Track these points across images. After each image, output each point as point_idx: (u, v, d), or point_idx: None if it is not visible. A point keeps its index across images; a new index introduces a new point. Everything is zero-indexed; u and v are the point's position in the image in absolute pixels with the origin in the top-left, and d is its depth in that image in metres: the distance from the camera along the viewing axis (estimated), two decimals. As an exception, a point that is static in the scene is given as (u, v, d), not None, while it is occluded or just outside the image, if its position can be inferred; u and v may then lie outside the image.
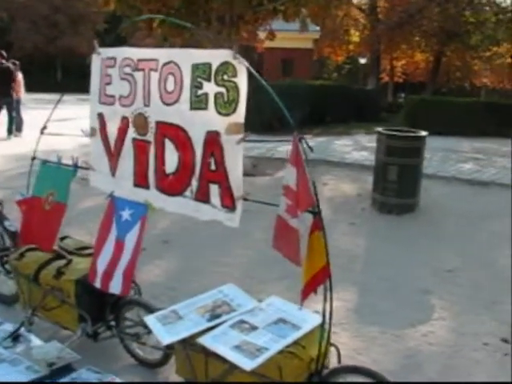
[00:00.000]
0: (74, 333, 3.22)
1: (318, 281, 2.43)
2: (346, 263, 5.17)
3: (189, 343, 2.71)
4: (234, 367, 2.55)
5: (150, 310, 3.12)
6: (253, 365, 2.43)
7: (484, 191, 7.78)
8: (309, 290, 2.45)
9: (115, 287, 3.01)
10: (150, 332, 3.18)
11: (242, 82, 2.46)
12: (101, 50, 3.06)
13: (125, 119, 2.96)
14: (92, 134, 3.18)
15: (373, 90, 22.01)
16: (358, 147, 11.95)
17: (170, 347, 3.01)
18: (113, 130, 3.05)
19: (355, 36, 22.84)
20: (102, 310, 3.27)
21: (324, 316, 2.52)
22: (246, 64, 2.43)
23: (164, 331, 2.76)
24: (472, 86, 34.07)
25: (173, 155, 2.78)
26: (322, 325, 2.55)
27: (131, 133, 2.95)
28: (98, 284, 3.06)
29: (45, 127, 3.43)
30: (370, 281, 4.77)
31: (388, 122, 16.79)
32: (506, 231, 5.98)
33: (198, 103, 2.61)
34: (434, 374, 3.33)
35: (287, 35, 16.37)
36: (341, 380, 2.60)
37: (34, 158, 3.51)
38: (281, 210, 2.43)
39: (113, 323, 3.32)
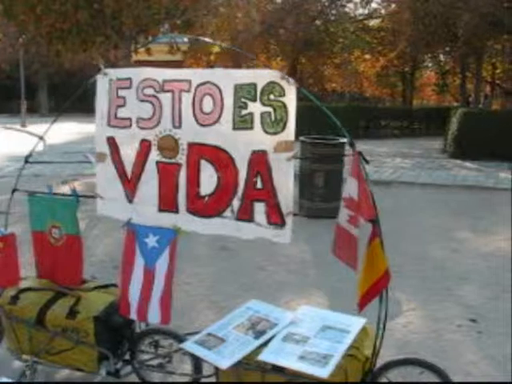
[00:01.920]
0: (92, 374, 3.07)
1: (380, 286, 2.65)
2: (301, 269, 5.47)
3: (243, 363, 2.76)
4: (293, 380, 2.68)
5: (174, 337, 3.10)
6: (327, 372, 2.57)
7: (389, 190, 8.64)
8: (371, 295, 2.66)
9: (153, 317, 2.96)
10: (170, 360, 3.18)
11: (291, 101, 2.61)
12: (108, 70, 2.98)
13: (145, 142, 2.92)
14: (100, 159, 3.06)
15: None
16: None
17: (198, 371, 3.05)
18: (129, 153, 2.98)
19: (215, 47, 23.53)
20: (121, 346, 3.16)
21: (379, 318, 2.75)
22: (296, 84, 2.59)
23: (215, 355, 2.78)
24: (322, 91, 36.87)
25: (211, 176, 2.82)
26: (378, 325, 2.78)
27: (154, 156, 2.92)
28: (133, 316, 2.99)
29: (30, 155, 3.22)
30: (331, 284, 5.10)
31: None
32: (423, 224, 6.77)
33: (243, 123, 2.69)
34: (432, 358, 3.74)
35: (158, 47, 16.31)
36: (391, 373, 2.85)
37: (14, 190, 3.26)
38: (342, 220, 2.63)
39: (127, 357, 3.21)
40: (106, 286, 3.33)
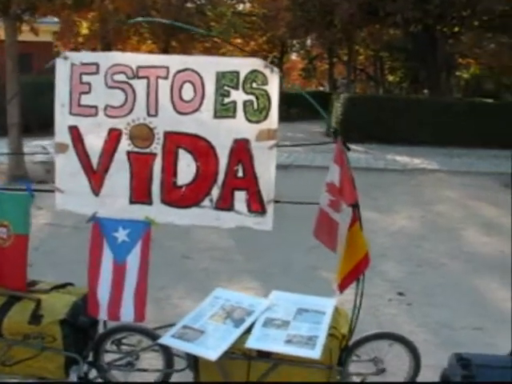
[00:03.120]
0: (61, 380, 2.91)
1: (361, 268, 2.85)
2: (226, 255, 5.57)
3: (228, 352, 2.81)
4: (277, 364, 2.80)
5: (144, 333, 3.06)
6: (318, 352, 2.71)
7: (288, 173, 9.00)
8: (352, 277, 2.86)
9: (127, 315, 2.88)
10: (138, 358, 3.13)
11: (274, 89, 2.68)
12: (70, 54, 2.81)
13: (115, 131, 2.81)
14: (60, 150, 2.88)
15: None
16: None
17: (170, 366, 3.05)
18: (95, 143, 2.84)
19: (84, 28, 22.40)
20: (86, 348, 3.03)
21: (356, 297, 2.95)
22: (279, 73, 2.68)
23: (198, 348, 2.79)
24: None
25: (188, 166, 2.80)
26: (355, 304, 2.98)
27: (125, 145, 2.82)
28: (103, 316, 2.89)
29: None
30: (259, 268, 5.28)
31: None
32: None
33: (225, 111, 2.71)
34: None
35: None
36: (364, 347, 3.08)
37: None
38: (323, 204, 2.78)
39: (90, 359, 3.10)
40: (63, 286, 3.15)
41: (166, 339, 2.86)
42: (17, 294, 2.97)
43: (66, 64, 2.80)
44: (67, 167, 2.89)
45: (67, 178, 2.91)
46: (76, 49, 28.12)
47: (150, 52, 28.30)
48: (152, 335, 3.05)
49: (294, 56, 39.04)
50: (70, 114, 2.83)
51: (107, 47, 22.26)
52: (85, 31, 22.28)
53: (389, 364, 3.09)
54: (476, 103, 16.73)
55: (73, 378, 2.90)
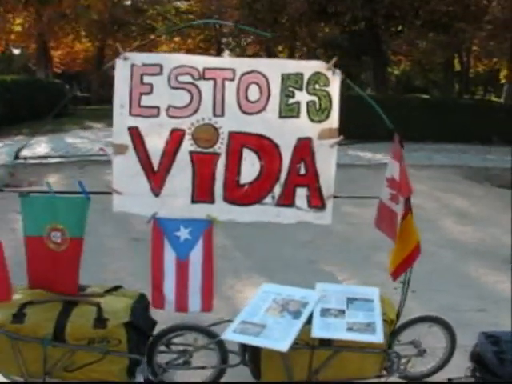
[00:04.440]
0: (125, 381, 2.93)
1: (414, 257, 3.05)
2: (225, 253, 5.65)
3: (292, 343, 2.93)
4: (337, 351, 2.97)
5: (200, 331, 3.13)
6: (380, 338, 2.90)
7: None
8: (406, 265, 3.06)
9: (195, 306, 3.01)
10: (192, 356, 3.18)
11: (335, 90, 2.84)
12: (130, 54, 2.82)
13: (177, 131, 2.86)
14: (119, 151, 2.89)
15: (57, 83, 21.36)
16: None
17: (225, 362, 3.14)
18: (156, 144, 2.88)
19: (17, 25, 21.45)
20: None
21: (404, 284, 3.16)
22: (341, 75, 2.83)
23: (266, 341, 2.89)
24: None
25: (252, 165, 2.90)
26: (403, 291, 3.19)
27: (187, 146, 2.88)
28: (169, 307, 3.02)
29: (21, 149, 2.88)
30: (263, 263, 5.41)
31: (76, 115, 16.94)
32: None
33: (289, 111, 2.84)
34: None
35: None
36: (410, 329, 3.29)
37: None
38: (384, 197, 2.97)
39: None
40: (115, 289, 3.15)
41: (230, 335, 2.94)
42: (73, 299, 2.96)
43: (125, 65, 2.82)
44: (126, 169, 2.91)
45: (126, 180, 2.93)
46: (7, 45, 27.03)
47: (85, 50, 27.79)
48: (207, 332, 3.13)
49: (226, 54, 39.29)
50: (130, 114, 2.85)
51: (43, 44, 21.53)
52: (18, 29, 21.40)
53: (427, 345, 3.32)
54: (428, 100, 17.59)
55: (139, 379, 2.93)
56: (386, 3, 14.21)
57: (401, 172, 2.88)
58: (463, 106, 17.29)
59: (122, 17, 22.57)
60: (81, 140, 12.75)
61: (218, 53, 32.42)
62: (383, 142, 13.53)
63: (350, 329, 2.96)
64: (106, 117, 16.08)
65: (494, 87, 40.74)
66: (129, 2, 24.20)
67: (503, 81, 36.74)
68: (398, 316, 3.18)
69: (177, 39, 27.83)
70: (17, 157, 2.41)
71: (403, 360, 3.27)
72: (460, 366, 3.48)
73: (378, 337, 2.90)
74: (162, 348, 3.16)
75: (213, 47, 31.64)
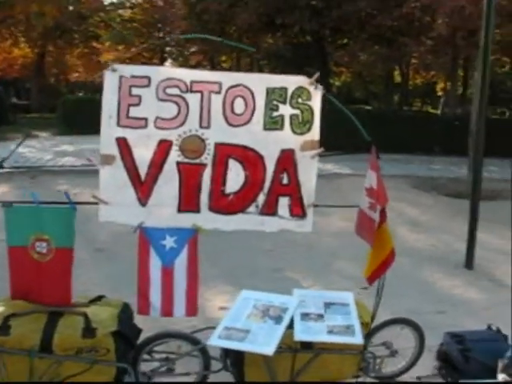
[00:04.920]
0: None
1: (388, 263, 3.26)
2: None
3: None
4: (318, 353, 3.13)
5: (185, 339, 3.21)
6: (360, 339, 3.08)
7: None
8: (380, 271, 3.26)
9: (179, 311, 3.11)
10: (174, 363, 3.25)
11: (316, 104, 3.03)
12: (118, 66, 2.90)
13: (165, 142, 2.95)
14: (106, 161, 2.95)
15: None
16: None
17: (208, 368, 3.24)
18: (144, 154, 2.96)
19: None
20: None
21: (378, 288, 3.36)
22: (323, 90, 3.02)
23: (251, 345, 3.01)
24: (66, 82, 35.39)
25: (237, 175, 3.03)
26: (377, 294, 3.38)
27: (175, 157, 2.98)
28: (155, 314, 3.10)
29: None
30: (229, 271, 5.52)
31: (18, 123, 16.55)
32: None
33: (273, 124, 2.99)
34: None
35: None
36: (383, 331, 3.49)
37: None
38: (364, 206, 3.16)
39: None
40: (98, 299, 3.19)
41: (215, 341, 3.04)
42: (57, 310, 2.98)
43: (114, 76, 2.89)
44: (113, 179, 2.97)
45: (113, 190, 2.99)
46: None
47: (24, 56, 27.00)
48: (191, 339, 3.21)
49: (168, 63, 39.12)
50: (118, 125, 2.92)
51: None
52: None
53: (398, 346, 3.53)
54: (371, 111, 18.15)
55: (127, 388, 2.98)
56: (333, 17, 14.73)
57: (378, 182, 3.09)
58: (404, 118, 18.06)
59: (65, 23, 22.13)
60: (28, 149, 12.47)
61: (162, 62, 32.31)
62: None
63: (330, 331, 3.12)
64: (50, 125, 15.78)
65: (431, 99, 42.58)
66: (72, 8, 23.75)
67: (440, 93, 38.53)
68: (372, 319, 3.37)
69: (120, 48, 27.57)
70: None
71: (377, 360, 3.47)
72: (426, 365, 3.73)
73: (357, 338, 3.08)
74: (146, 356, 3.22)
75: (156, 56, 31.50)
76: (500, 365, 3.21)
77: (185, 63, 34.45)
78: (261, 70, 32.70)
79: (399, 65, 26.54)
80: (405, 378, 3.61)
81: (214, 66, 30.70)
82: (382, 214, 3.17)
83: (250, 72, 30.44)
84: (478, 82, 9.21)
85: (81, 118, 14.59)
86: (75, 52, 27.26)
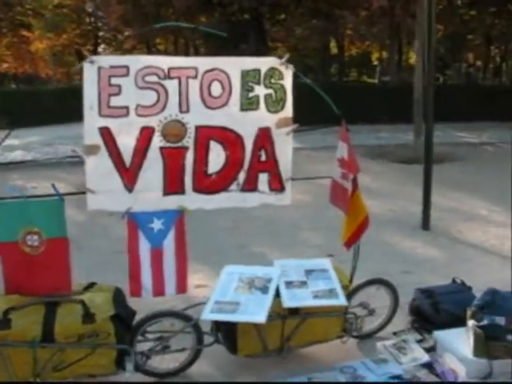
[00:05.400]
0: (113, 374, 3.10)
1: (363, 228, 3.51)
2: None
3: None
4: (305, 318, 3.36)
5: (177, 316, 3.37)
6: (343, 300, 3.32)
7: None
8: (356, 237, 3.51)
9: (170, 289, 3.28)
10: (168, 340, 3.40)
11: (288, 83, 3.21)
12: (96, 57, 2.97)
13: (147, 129, 3.06)
14: (91, 152, 3.03)
15: None
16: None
17: (201, 343, 3.40)
18: (127, 142, 3.06)
19: None
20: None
21: (354, 254, 3.61)
22: (293, 69, 3.20)
23: (244, 316, 3.20)
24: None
25: (218, 155, 3.18)
26: (354, 259, 3.63)
27: (157, 142, 3.09)
28: (147, 295, 3.25)
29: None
30: (197, 251, 5.64)
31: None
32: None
33: (250, 104, 3.16)
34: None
35: None
36: (361, 292, 3.75)
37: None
38: (337, 176, 3.39)
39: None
40: (90, 286, 3.29)
41: (208, 315, 3.21)
42: (54, 300, 3.06)
43: (92, 67, 2.96)
44: (99, 168, 3.06)
45: (99, 179, 3.08)
46: None
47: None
48: (184, 317, 3.37)
49: (100, 48, 38.12)
50: (100, 115, 3.00)
51: None
52: None
53: (374, 305, 3.80)
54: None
55: (129, 367, 3.10)
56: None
57: (349, 152, 3.31)
58: (346, 88, 18.47)
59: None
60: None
61: (95, 47, 31.54)
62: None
63: (315, 296, 3.35)
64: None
65: (367, 69, 43.58)
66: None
67: (375, 62, 39.49)
68: (350, 281, 3.62)
69: (50, 35, 26.67)
70: None
71: (358, 320, 3.74)
72: (400, 320, 4.02)
73: (341, 300, 3.32)
74: (141, 337, 3.35)
75: (89, 42, 30.71)
76: (469, 313, 3.54)
77: (119, 48, 33.77)
78: (196, 51, 32.64)
79: (335, 37, 27.01)
80: (381, 334, 3.89)
81: (150, 49, 30.28)
82: (354, 182, 3.41)
83: (186, 53, 30.41)
84: (420, 50, 9.62)
85: (21, 111, 14.22)
86: (3, 41, 26.20)
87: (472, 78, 34.59)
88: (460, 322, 3.64)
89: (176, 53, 29.16)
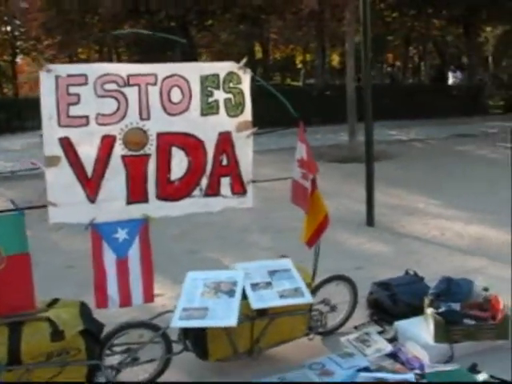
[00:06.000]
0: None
1: (323, 227, 3.62)
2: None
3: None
4: (273, 318, 3.43)
5: (146, 327, 3.35)
6: (309, 298, 3.42)
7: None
8: (317, 236, 3.62)
9: (137, 299, 3.26)
10: (137, 351, 3.38)
11: (246, 87, 3.29)
12: (53, 66, 2.92)
13: (108, 138, 3.04)
14: (51, 163, 2.97)
15: None
16: None
17: (170, 351, 3.40)
18: (88, 152, 3.02)
19: None
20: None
21: (315, 253, 3.72)
22: (251, 73, 3.27)
23: (214, 321, 3.22)
24: None
25: (181, 161, 3.20)
26: (315, 257, 3.73)
27: (119, 151, 3.07)
28: (114, 305, 3.21)
29: None
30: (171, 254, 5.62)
31: None
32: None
33: (210, 109, 3.20)
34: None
35: None
36: (322, 289, 3.85)
37: None
38: (296, 176, 3.49)
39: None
40: (54, 302, 3.21)
41: (178, 322, 3.21)
42: (17, 320, 2.96)
43: (49, 77, 2.90)
44: (60, 179, 3.00)
45: (60, 191, 3.02)
46: None
47: None
48: (152, 327, 3.35)
49: (19, 59, 36.62)
50: (59, 125, 2.95)
51: None
52: None
53: (334, 301, 3.92)
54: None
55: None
56: (198, 0, 14.87)
57: (307, 153, 3.42)
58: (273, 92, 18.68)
59: None
60: None
61: (13, 57, 30.34)
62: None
63: (282, 296, 3.42)
64: None
65: (291, 72, 44.35)
66: None
67: (299, 65, 40.30)
68: (312, 279, 3.73)
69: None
70: None
71: (322, 317, 3.85)
72: (358, 314, 4.16)
73: (307, 298, 3.42)
74: (109, 350, 3.30)
75: (6, 52, 29.47)
76: (426, 301, 3.73)
77: (38, 58, 32.51)
78: (119, 58, 32.04)
79: (260, 41, 27.39)
80: (343, 329, 4.02)
81: (71, 58, 29.48)
82: (313, 182, 3.52)
83: (110, 61, 29.82)
84: (352, 52, 9.98)
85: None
86: None
87: (395, 77, 36.03)
88: (417, 311, 3.83)
89: (100, 61, 28.64)
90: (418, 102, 20.20)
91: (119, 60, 31.70)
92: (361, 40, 6.80)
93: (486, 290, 3.78)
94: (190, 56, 22.63)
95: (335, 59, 38.88)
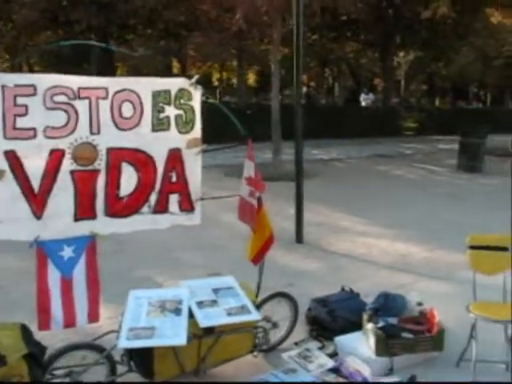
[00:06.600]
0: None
1: (269, 245, 3.69)
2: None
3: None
4: (220, 336, 3.46)
5: (90, 348, 3.26)
6: (257, 315, 3.47)
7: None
8: (263, 252, 3.69)
9: (82, 319, 3.19)
10: (80, 373, 3.30)
11: (197, 104, 3.32)
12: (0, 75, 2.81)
13: (56, 152, 2.96)
14: (-6, 178, 2.84)
15: None
16: None
17: (114, 373, 3.35)
18: (35, 166, 2.93)
19: None
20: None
21: (259, 270, 3.78)
22: (201, 90, 3.32)
23: (163, 340, 3.19)
24: None
25: (130, 177, 3.17)
26: (260, 275, 3.79)
27: (68, 165, 3.00)
28: (57, 328, 3.13)
29: None
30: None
31: None
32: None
33: (161, 125, 3.21)
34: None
35: None
36: (264, 306, 3.91)
37: None
38: (244, 194, 3.54)
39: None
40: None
41: (125, 343, 3.16)
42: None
43: (-5, 86, 2.80)
44: (4, 194, 2.89)
45: (4, 206, 2.90)
46: None
47: None
48: (96, 348, 3.27)
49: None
50: (5, 138, 2.84)
51: None
52: None
53: (276, 318, 3.99)
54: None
55: (45, 408, 2.93)
56: (121, 13, 14.66)
57: (255, 171, 3.50)
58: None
59: None
60: None
61: None
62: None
63: (229, 314, 3.46)
64: None
65: (206, 89, 44.57)
66: None
67: (216, 83, 40.57)
68: (256, 296, 3.79)
69: None
70: None
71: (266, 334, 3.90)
72: (296, 330, 4.25)
73: (254, 315, 3.48)
74: (50, 375, 3.17)
75: None
76: (365, 316, 3.89)
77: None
78: (31, 69, 30.81)
79: (177, 57, 27.30)
80: (283, 345, 4.09)
81: (14, 69, 27.89)
82: (259, 200, 3.60)
83: (20, 72, 28.60)
84: (277, 72, 10.09)
85: None
86: None
87: (312, 98, 37.16)
88: (355, 326, 3.99)
89: (12, 71, 27.28)
90: (334, 122, 20.95)
91: (31, 71, 30.49)
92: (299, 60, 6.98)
93: (420, 304, 4.00)
94: (108, 69, 22.26)
95: (251, 78, 39.51)
